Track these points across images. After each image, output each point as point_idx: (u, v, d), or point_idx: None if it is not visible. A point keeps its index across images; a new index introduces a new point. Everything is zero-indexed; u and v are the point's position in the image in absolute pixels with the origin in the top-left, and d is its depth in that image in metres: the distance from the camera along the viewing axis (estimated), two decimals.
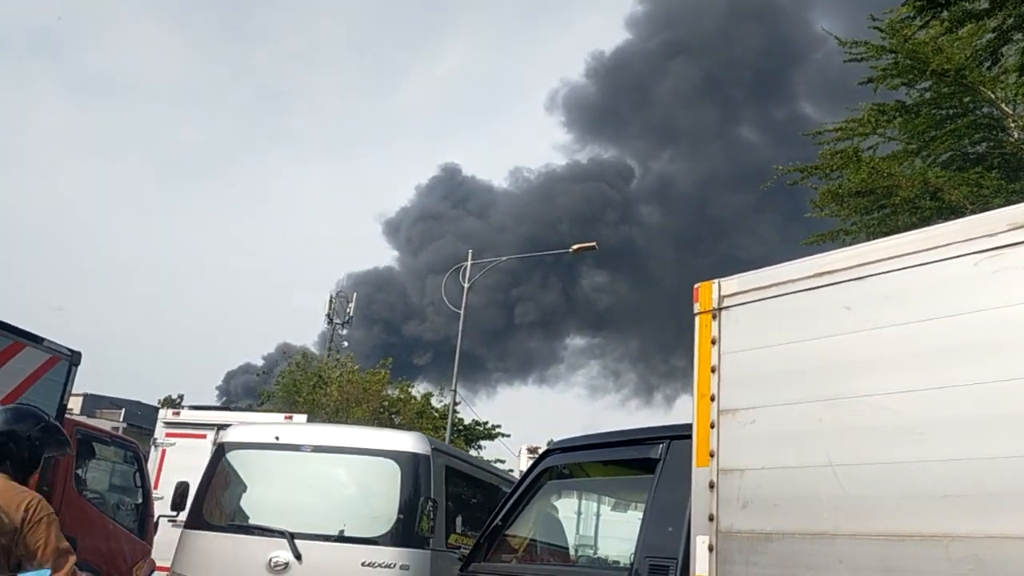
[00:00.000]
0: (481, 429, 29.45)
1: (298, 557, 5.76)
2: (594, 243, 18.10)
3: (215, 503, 6.63)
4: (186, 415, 12.07)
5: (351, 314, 33.75)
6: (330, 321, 32.99)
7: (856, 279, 3.00)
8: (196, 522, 6.46)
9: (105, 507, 9.38)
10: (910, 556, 2.61)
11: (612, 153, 56.05)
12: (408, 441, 6.39)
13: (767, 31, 49.30)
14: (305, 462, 6.48)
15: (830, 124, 12.90)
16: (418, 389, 29.48)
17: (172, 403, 28.46)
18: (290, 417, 10.70)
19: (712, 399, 3.38)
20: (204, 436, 10.83)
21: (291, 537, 5.85)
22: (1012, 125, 11.13)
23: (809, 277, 3.16)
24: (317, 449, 6.50)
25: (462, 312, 18.13)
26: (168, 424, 11.70)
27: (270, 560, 5.81)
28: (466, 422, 28.62)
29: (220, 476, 6.71)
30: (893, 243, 2.95)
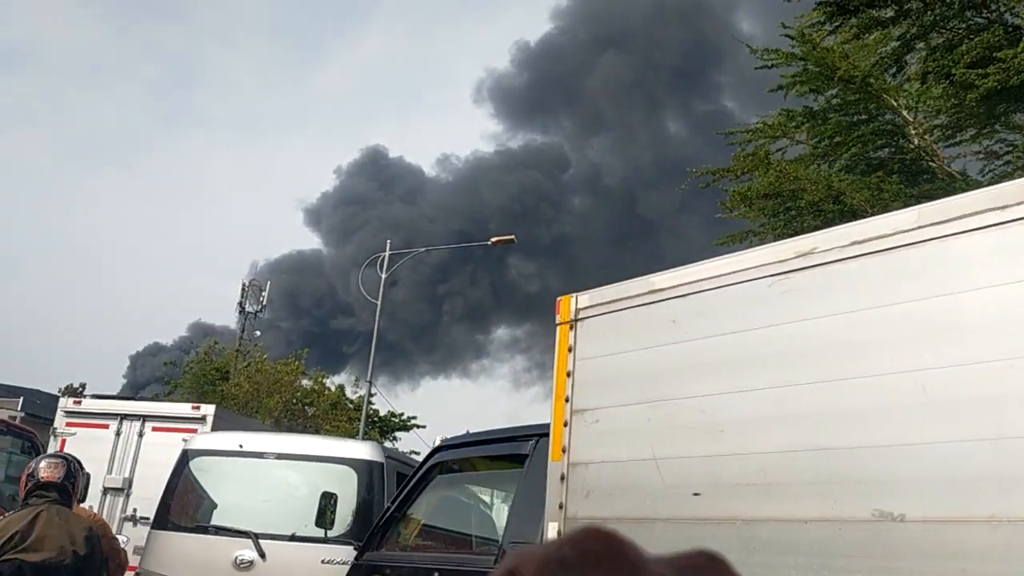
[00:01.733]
0: (397, 421, 29.92)
1: (262, 555, 6.41)
2: (512, 236, 18.64)
3: (181, 506, 7.26)
4: (88, 404, 11.75)
5: (264, 303, 33.82)
6: (242, 310, 32.90)
7: (679, 296, 3.55)
8: (164, 523, 7.09)
9: (0, 499, 9.46)
10: (710, 537, 3.16)
11: (544, 140, 56.86)
12: (364, 450, 7.26)
13: (692, 29, 50.58)
14: (268, 468, 7.17)
15: (741, 127, 13.64)
16: (340, 380, 29.76)
17: (74, 392, 28.07)
18: (197, 407, 10.83)
19: (567, 400, 3.90)
20: (107, 426, 10.79)
21: (255, 537, 6.48)
22: (913, 132, 11.97)
23: (643, 294, 3.70)
24: (280, 456, 7.21)
25: (379, 304, 18.44)
26: (69, 413, 11.43)
27: (236, 558, 6.45)
28: (381, 413, 29.04)
29: (185, 481, 7.34)
30: (707, 267, 3.50)
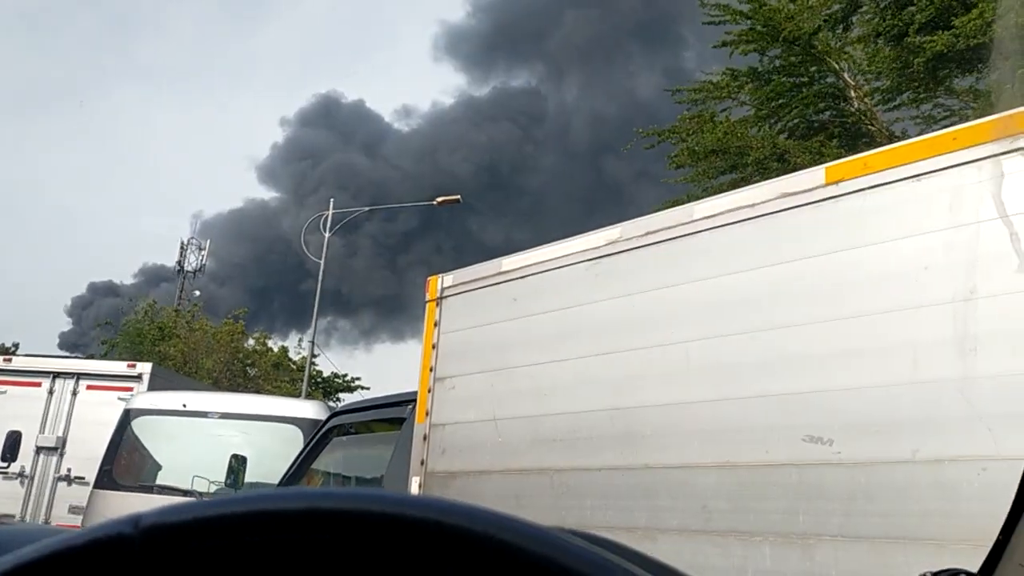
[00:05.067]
0: (340, 382, 30.78)
1: None
2: (458, 196, 19.29)
3: (123, 465, 7.77)
4: (18, 362, 11.98)
5: (204, 262, 34.41)
6: (180, 270, 33.37)
7: (521, 278, 4.30)
8: (106, 483, 7.61)
9: None
10: (531, 485, 3.95)
11: (511, 89, 57.10)
12: (309, 408, 7.83)
13: None
14: (212, 427, 7.62)
15: (687, 85, 14.36)
16: (301, 340, 30.46)
17: (4, 351, 28.59)
18: (133, 365, 11.33)
19: (431, 370, 4.66)
20: (39, 384, 11.13)
21: (200, 496, 6.98)
22: (853, 95, 12.74)
23: (494, 275, 4.45)
24: (224, 416, 7.70)
25: (322, 263, 19.07)
26: None
27: None
28: (325, 375, 29.88)
29: (127, 440, 7.85)
30: (545, 251, 4.25)
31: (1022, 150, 2.70)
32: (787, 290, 3.21)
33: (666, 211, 3.83)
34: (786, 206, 3.28)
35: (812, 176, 3.22)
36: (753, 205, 3.40)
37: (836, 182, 3.12)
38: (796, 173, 3.39)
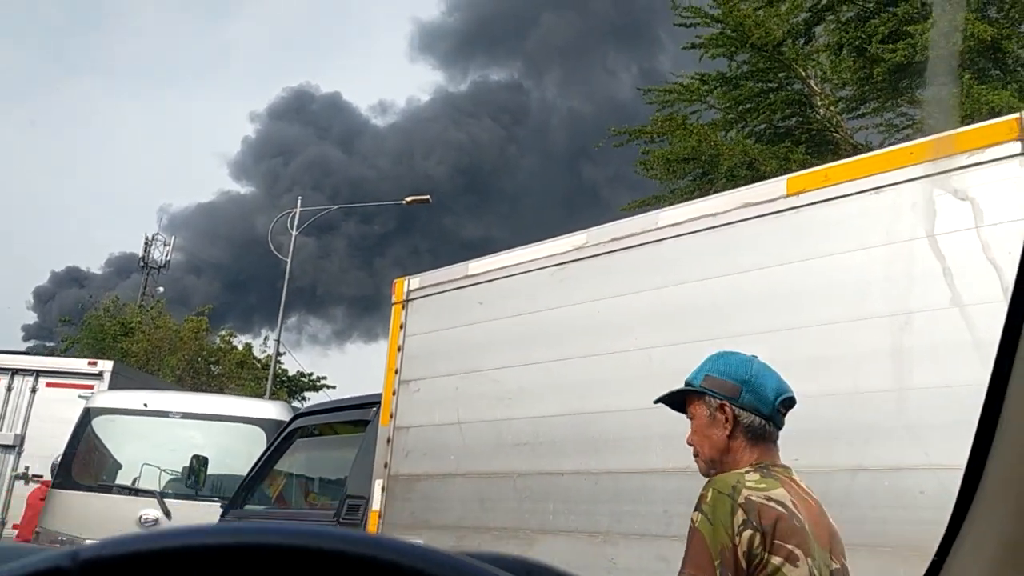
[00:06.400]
0: (306, 381, 30.63)
1: (167, 514, 6.88)
2: (427, 196, 19.27)
3: (83, 465, 7.68)
4: None
5: (169, 257, 34.09)
6: (144, 265, 32.98)
7: (487, 282, 4.30)
8: (65, 482, 7.49)
9: None
10: (494, 488, 3.96)
11: (491, 85, 57.13)
12: (271, 409, 7.74)
13: None
14: (173, 427, 7.55)
15: (657, 86, 14.45)
16: (257, 338, 30.20)
17: None
18: (95, 363, 11.22)
19: (396, 372, 4.65)
20: None
21: (160, 496, 6.97)
22: (819, 103, 12.90)
23: (460, 279, 4.45)
24: (186, 416, 7.62)
25: (289, 261, 18.94)
26: None
27: (140, 517, 6.89)
28: (291, 373, 29.75)
29: (87, 440, 7.75)
30: (511, 255, 4.26)
31: (977, 165, 2.75)
32: (748, 298, 3.25)
33: (631, 218, 3.85)
34: (748, 215, 3.32)
35: (774, 187, 3.27)
36: (716, 214, 3.43)
37: (797, 193, 3.16)
38: (757, 184, 3.43)
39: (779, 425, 2.26)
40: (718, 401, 2.25)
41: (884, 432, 2.82)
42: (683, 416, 3.36)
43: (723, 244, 3.40)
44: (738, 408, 2.22)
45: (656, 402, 2.44)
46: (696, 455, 2.35)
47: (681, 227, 3.55)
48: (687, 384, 2.35)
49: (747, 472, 2.15)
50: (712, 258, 3.42)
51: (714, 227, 3.44)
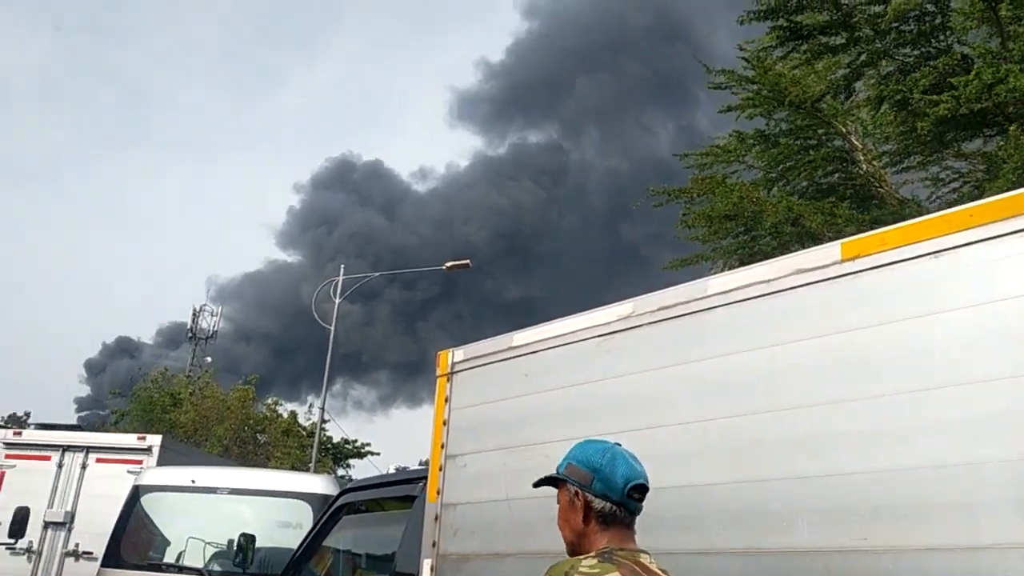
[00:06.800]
0: (350, 448, 30.65)
1: None
2: (467, 261, 19.37)
3: (132, 543, 7.73)
4: (29, 435, 12.03)
5: (217, 327, 34.59)
6: (192, 336, 33.52)
7: (532, 353, 4.23)
8: (114, 561, 7.53)
9: None
10: (541, 568, 3.82)
11: (530, 147, 57.83)
12: (318, 483, 7.77)
13: (668, 44, 51.46)
14: (221, 504, 7.59)
15: (693, 150, 14.46)
16: (315, 404, 30.41)
17: (17, 421, 28.56)
18: (143, 438, 11.30)
19: (442, 447, 4.57)
20: (48, 458, 11.14)
21: (208, 574, 6.99)
22: (861, 158, 12.78)
23: (505, 350, 4.38)
24: (233, 492, 7.67)
25: (332, 329, 19.07)
26: (9, 445, 11.66)
27: None
28: (335, 440, 29.79)
29: (136, 517, 7.82)
30: (555, 327, 4.18)
31: None
32: (803, 369, 3.13)
33: (679, 287, 3.77)
34: (802, 282, 3.22)
35: (828, 252, 3.17)
36: (768, 281, 3.34)
37: (853, 258, 3.07)
38: (811, 249, 3.33)
39: (632, 510, 2.44)
40: (574, 488, 2.43)
41: (947, 508, 2.67)
42: (742, 496, 3.24)
43: (776, 312, 3.30)
44: (590, 495, 2.39)
45: (535, 486, 2.65)
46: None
47: (731, 295, 3.46)
48: (556, 471, 2.53)
49: (585, 559, 2.31)
50: (765, 327, 3.32)
51: (766, 294, 3.34)
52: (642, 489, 2.43)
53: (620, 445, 2.51)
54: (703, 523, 3.28)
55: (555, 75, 54.53)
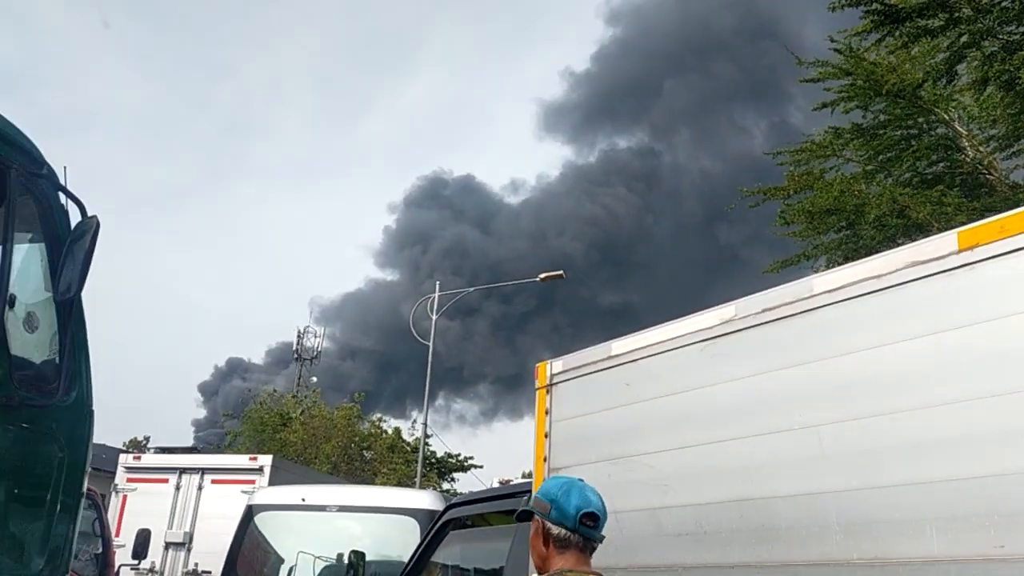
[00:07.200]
0: (454, 462, 30.92)
1: None
2: (561, 272, 19.32)
3: (247, 561, 8.04)
4: (147, 459, 12.69)
5: (320, 348, 35.42)
6: (297, 357, 34.44)
7: (632, 361, 4.14)
8: None
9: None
10: None
11: (623, 147, 57.42)
12: (425, 499, 7.93)
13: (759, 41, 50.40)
14: (330, 521, 7.82)
15: (787, 148, 14.03)
16: (406, 419, 30.94)
17: (137, 445, 29.89)
18: (255, 458, 11.66)
19: (545, 460, 4.52)
20: (166, 480, 11.67)
21: None
22: (967, 144, 12.17)
23: (604, 359, 4.30)
24: (342, 509, 7.88)
25: (431, 345, 19.29)
26: (129, 469, 12.19)
27: None
28: (439, 455, 30.08)
29: (250, 536, 8.11)
30: (655, 333, 4.08)
31: None
32: (919, 368, 2.96)
33: (783, 287, 3.62)
34: (916, 276, 3.04)
35: (943, 242, 2.99)
36: (879, 276, 3.17)
37: (971, 247, 2.88)
38: (924, 240, 3.15)
39: (588, 536, 2.73)
40: (538, 517, 2.75)
41: None
42: (865, 500, 3.07)
43: (888, 309, 3.13)
44: (548, 522, 2.70)
45: (516, 520, 2.98)
46: None
47: (839, 292, 3.30)
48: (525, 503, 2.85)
49: None
50: (876, 325, 3.15)
51: (877, 291, 3.17)
52: (594, 517, 2.71)
53: (582, 480, 2.82)
54: (823, 533, 3.13)
55: (642, 79, 54.20)
